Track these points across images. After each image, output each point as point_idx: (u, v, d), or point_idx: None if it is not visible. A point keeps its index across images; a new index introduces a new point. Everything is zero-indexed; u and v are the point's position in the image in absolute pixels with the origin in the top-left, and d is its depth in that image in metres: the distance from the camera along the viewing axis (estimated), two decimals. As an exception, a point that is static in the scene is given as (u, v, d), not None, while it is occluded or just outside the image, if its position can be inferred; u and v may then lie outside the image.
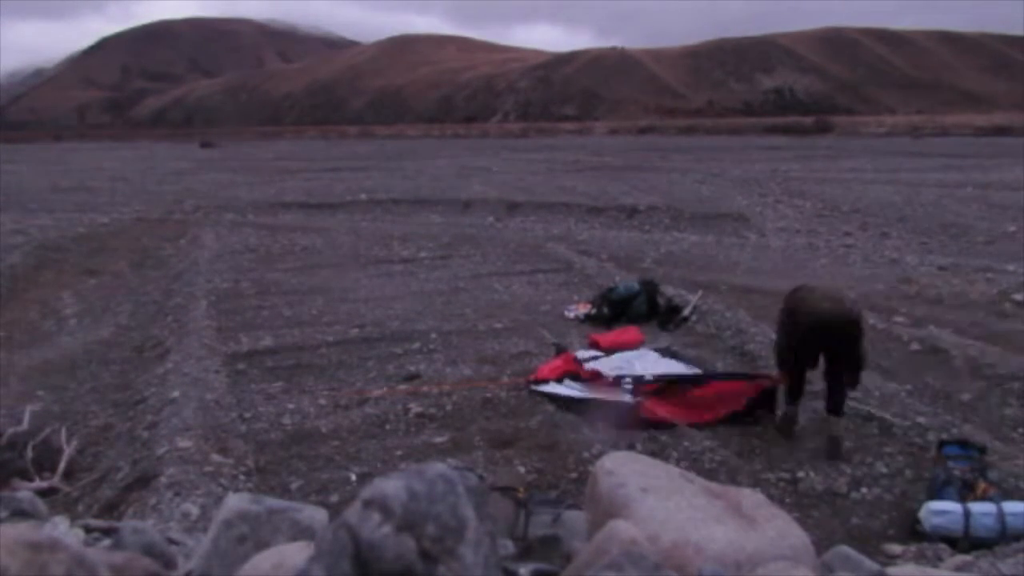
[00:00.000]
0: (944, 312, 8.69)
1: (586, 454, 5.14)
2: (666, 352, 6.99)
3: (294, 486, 4.88)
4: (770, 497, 2.16)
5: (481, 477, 4.50)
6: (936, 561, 3.76)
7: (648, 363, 6.58)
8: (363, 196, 20.82)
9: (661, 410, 5.66)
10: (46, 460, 5.21)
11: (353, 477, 5.00)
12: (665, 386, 5.90)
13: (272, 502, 1.62)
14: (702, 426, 5.57)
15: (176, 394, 6.18)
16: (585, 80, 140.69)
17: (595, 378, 6.24)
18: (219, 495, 4.33)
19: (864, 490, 4.74)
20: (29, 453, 5.20)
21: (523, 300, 9.57)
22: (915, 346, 7.38)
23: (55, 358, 7.92)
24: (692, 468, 4.76)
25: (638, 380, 5.98)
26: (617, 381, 6.04)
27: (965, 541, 4.06)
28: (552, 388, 6.15)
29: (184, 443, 5.16)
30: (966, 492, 4.37)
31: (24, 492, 2.65)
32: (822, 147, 40.70)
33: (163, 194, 22.61)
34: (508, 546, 1.77)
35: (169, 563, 1.62)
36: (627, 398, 5.84)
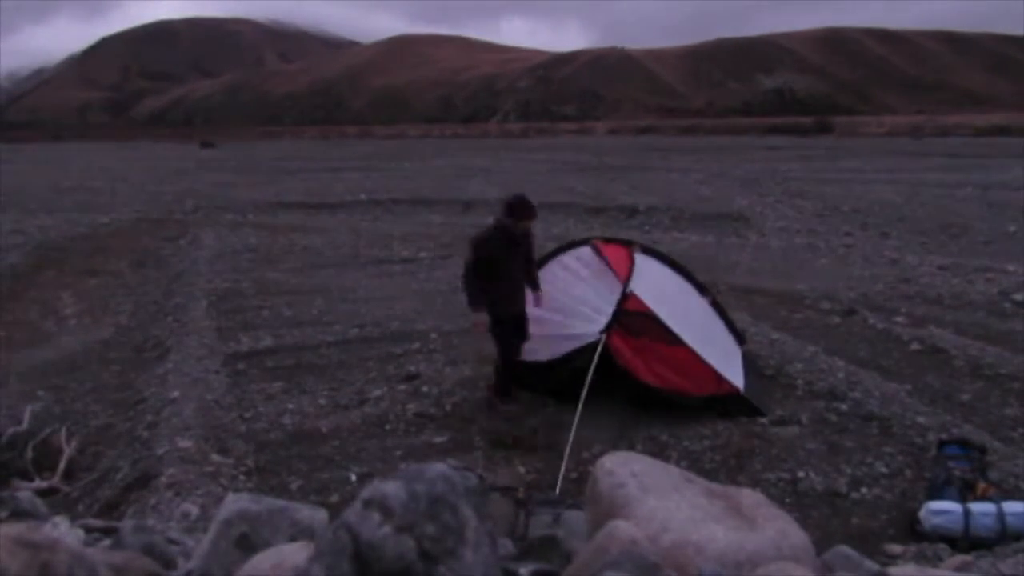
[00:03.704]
0: (944, 312, 8.70)
1: (586, 454, 5.14)
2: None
3: (294, 486, 4.88)
4: (770, 497, 2.16)
5: (481, 477, 4.50)
6: (936, 561, 3.76)
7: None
8: (363, 196, 20.83)
9: (627, 351, 5.50)
10: (46, 460, 5.22)
11: (353, 477, 5.00)
12: (645, 321, 5.65)
13: (272, 502, 1.62)
14: (649, 391, 5.56)
15: (176, 394, 6.19)
16: (585, 80, 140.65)
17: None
18: (219, 495, 4.33)
19: (864, 490, 4.74)
20: (29, 453, 5.21)
21: (523, 300, 9.56)
22: (915, 346, 7.39)
23: (55, 358, 7.92)
24: (692, 468, 4.77)
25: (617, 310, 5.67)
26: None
27: (965, 541, 4.06)
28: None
29: (184, 443, 5.16)
30: (966, 492, 4.37)
31: (24, 492, 2.65)
32: (822, 147, 40.71)
33: (163, 194, 22.61)
34: (508, 546, 1.77)
35: (169, 563, 1.62)
36: (593, 329, 5.61)
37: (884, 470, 4.95)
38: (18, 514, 2.17)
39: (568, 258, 6.65)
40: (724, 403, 5.69)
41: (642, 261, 6.28)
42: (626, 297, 5.73)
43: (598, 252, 6.36)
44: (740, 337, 6.77)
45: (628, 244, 6.70)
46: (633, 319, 5.65)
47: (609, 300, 5.77)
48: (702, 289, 6.80)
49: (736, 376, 5.90)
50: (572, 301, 6.04)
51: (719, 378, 5.71)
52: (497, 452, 5.29)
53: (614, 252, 6.38)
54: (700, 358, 5.66)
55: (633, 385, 5.62)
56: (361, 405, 6.17)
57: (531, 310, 6.00)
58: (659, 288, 6.12)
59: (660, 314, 5.70)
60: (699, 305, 6.57)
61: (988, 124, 55.85)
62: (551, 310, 5.99)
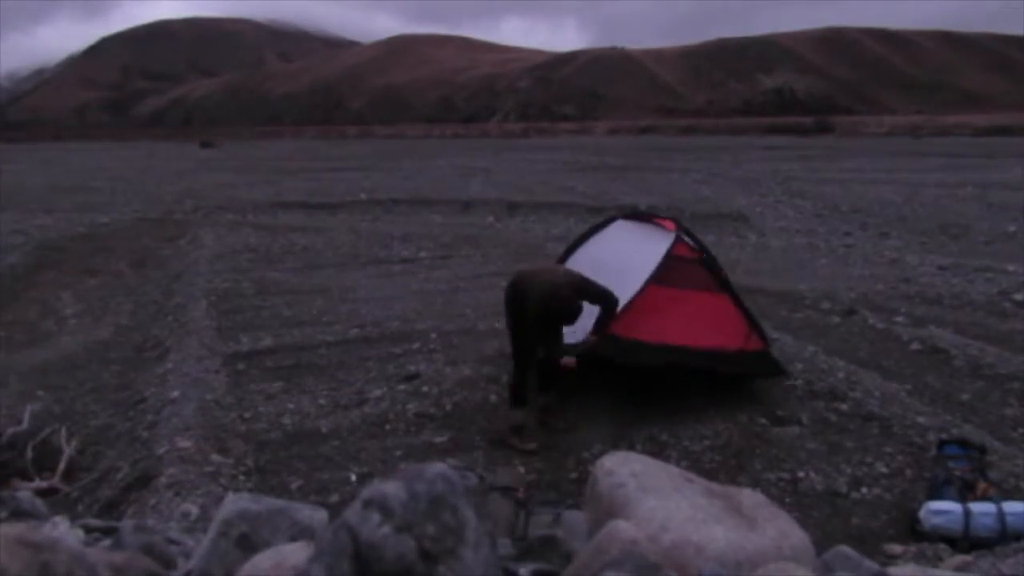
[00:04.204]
0: (944, 312, 8.70)
1: (586, 454, 5.14)
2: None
3: (294, 486, 4.88)
4: (770, 497, 2.16)
5: (481, 477, 4.51)
6: (936, 561, 3.76)
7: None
8: (363, 196, 20.83)
9: (656, 309, 5.55)
10: (46, 460, 5.22)
11: (353, 477, 5.00)
12: (692, 267, 5.80)
13: (272, 502, 1.62)
14: (680, 352, 5.50)
15: (176, 394, 6.19)
16: (585, 80, 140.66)
17: None
18: (219, 495, 4.34)
19: (864, 490, 4.75)
20: (29, 453, 5.21)
21: (523, 300, 9.56)
22: (915, 346, 7.39)
23: (55, 358, 7.92)
24: (692, 468, 4.77)
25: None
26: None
27: (965, 541, 4.06)
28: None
29: (184, 443, 5.16)
30: (966, 492, 4.37)
31: (24, 492, 2.65)
32: (822, 147, 40.73)
33: (163, 194, 22.61)
34: (508, 546, 1.77)
35: (169, 563, 1.62)
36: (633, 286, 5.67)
37: (884, 470, 4.95)
38: (18, 514, 2.17)
39: (605, 234, 6.91)
40: (750, 359, 5.79)
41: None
42: (676, 243, 5.98)
43: (636, 219, 6.70)
44: None
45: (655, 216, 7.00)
46: (680, 265, 5.84)
47: (657, 250, 5.94)
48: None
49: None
50: (617, 261, 6.13)
51: (750, 332, 5.85)
52: (497, 452, 5.29)
53: (650, 219, 6.76)
54: (738, 307, 5.89)
55: (652, 355, 5.57)
56: (361, 405, 6.17)
57: None
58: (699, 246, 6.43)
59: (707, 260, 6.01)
60: None
61: (988, 124, 55.86)
62: (596, 274, 5.85)
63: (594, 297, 5.42)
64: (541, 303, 5.31)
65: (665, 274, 5.77)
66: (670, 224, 6.52)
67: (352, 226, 16.47)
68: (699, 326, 5.66)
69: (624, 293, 5.56)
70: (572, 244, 7.28)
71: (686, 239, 6.17)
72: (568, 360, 5.42)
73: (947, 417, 5.62)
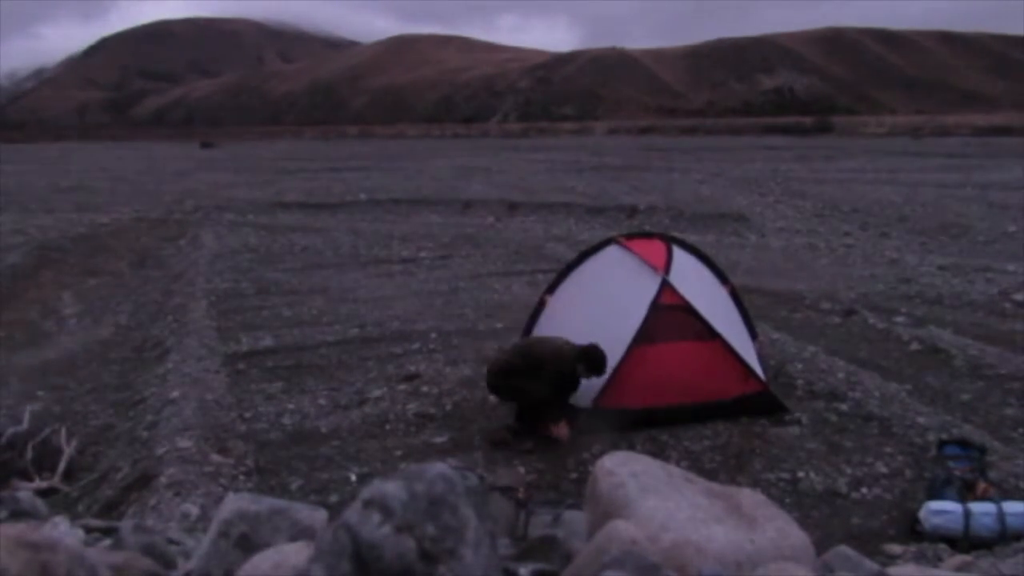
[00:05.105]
0: (944, 312, 8.70)
1: (586, 454, 5.14)
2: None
3: (294, 486, 4.88)
4: (770, 497, 2.16)
5: (481, 477, 4.50)
6: (936, 561, 3.76)
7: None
8: (363, 196, 20.83)
9: (644, 373, 5.45)
10: (46, 460, 5.21)
11: (353, 477, 5.00)
12: (680, 315, 5.61)
13: (272, 502, 1.62)
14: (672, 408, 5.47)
15: (176, 394, 6.19)
16: (585, 80, 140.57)
17: None
18: (219, 495, 4.33)
19: (864, 490, 4.75)
20: (29, 453, 5.20)
21: (523, 300, 9.53)
22: (915, 346, 7.39)
23: (55, 358, 7.93)
24: (692, 468, 4.76)
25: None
26: None
27: (965, 541, 4.06)
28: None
29: (184, 443, 5.16)
30: (966, 492, 4.37)
31: (24, 492, 2.64)
32: (822, 147, 40.71)
33: (163, 194, 22.61)
34: (508, 546, 1.77)
35: (169, 563, 1.62)
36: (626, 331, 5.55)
37: (884, 470, 4.95)
38: (18, 514, 2.17)
39: (594, 263, 6.66)
40: (749, 403, 5.64)
41: (677, 252, 6.33)
42: (663, 290, 5.75)
43: (627, 249, 6.40)
44: (754, 331, 6.73)
45: (650, 235, 6.72)
46: (666, 315, 5.66)
47: (644, 297, 5.75)
48: (723, 278, 6.78)
49: (758, 370, 5.87)
50: (602, 306, 5.99)
51: (746, 374, 5.67)
52: (497, 452, 5.29)
53: (642, 246, 6.44)
54: (730, 352, 5.66)
55: (647, 421, 5.52)
56: (361, 405, 6.17)
57: (562, 321, 5.99)
58: (691, 279, 6.13)
59: (696, 306, 5.73)
60: (721, 295, 6.57)
61: (988, 124, 55.84)
62: (580, 319, 5.81)
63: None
64: (559, 370, 5.32)
65: (651, 330, 5.59)
66: (660, 251, 6.24)
67: (352, 226, 16.47)
68: (691, 380, 5.54)
69: (609, 351, 5.41)
70: (564, 269, 6.98)
71: (672, 283, 5.85)
72: (560, 431, 5.36)
73: (947, 417, 5.62)
